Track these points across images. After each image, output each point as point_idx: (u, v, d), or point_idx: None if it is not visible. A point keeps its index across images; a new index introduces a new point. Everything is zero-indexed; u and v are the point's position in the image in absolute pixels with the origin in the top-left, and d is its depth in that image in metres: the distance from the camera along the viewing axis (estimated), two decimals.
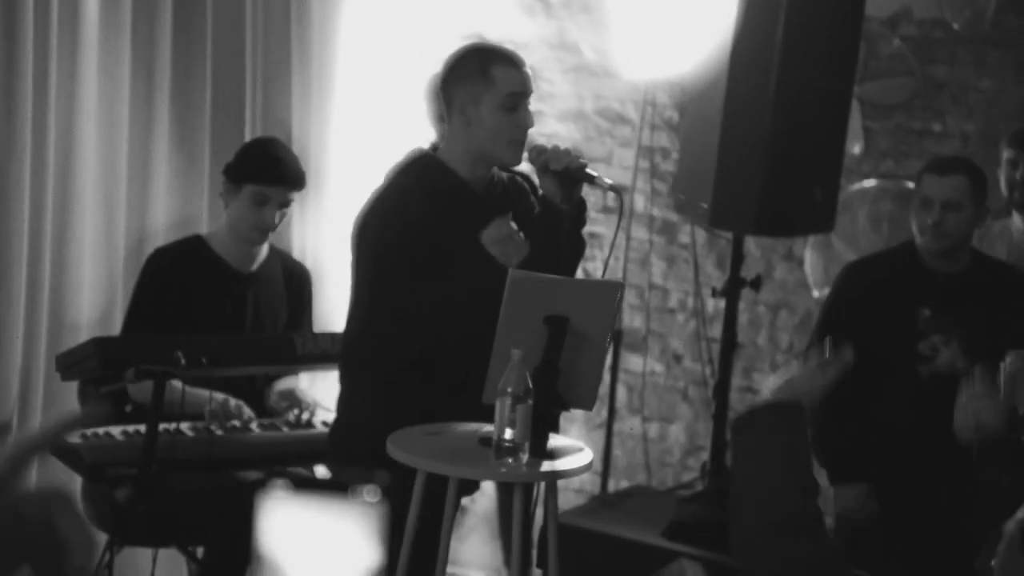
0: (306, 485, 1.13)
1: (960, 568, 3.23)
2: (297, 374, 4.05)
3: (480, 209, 3.28)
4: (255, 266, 3.94)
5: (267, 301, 3.95)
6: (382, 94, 5.07)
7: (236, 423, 3.68)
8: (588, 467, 3.10)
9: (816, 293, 4.96)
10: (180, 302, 3.79)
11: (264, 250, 3.97)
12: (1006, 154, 4.30)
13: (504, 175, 3.40)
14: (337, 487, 1.12)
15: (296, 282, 4.05)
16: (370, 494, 1.10)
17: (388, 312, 3.19)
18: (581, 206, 3.34)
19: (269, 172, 3.83)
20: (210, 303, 3.84)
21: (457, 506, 3.21)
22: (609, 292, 3.12)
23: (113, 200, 4.18)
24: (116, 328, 4.02)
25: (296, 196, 3.91)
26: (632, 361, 5.27)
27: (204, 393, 3.63)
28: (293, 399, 3.86)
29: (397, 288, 3.16)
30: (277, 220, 3.86)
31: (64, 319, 4.03)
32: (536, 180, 3.36)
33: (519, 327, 3.00)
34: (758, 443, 2.18)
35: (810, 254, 4.99)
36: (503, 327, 3.01)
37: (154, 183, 4.31)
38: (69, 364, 3.63)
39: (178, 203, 4.38)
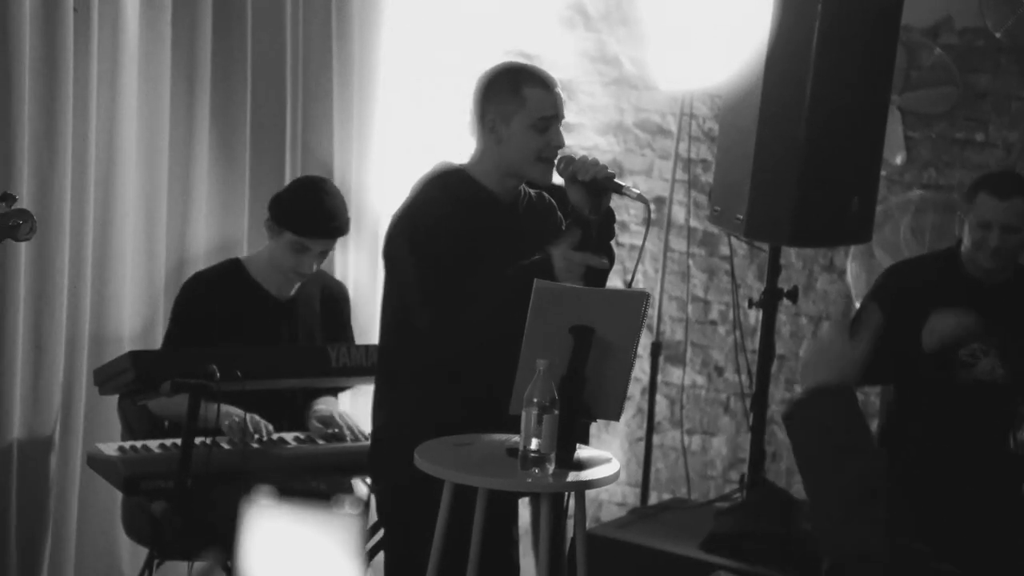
0: (290, 494, 1.13)
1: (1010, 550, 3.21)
2: (336, 395, 4.06)
3: (507, 220, 3.29)
4: (293, 292, 3.95)
5: (304, 326, 3.96)
6: (422, 110, 5.10)
7: (256, 438, 3.68)
8: (615, 477, 3.10)
9: (858, 304, 4.93)
10: (216, 327, 3.80)
11: None
12: None
13: (532, 191, 3.42)
14: (321, 497, 1.13)
15: (332, 303, 4.05)
16: (351, 505, 1.11)
17: (432, 319, 3.20)
18: (610, 216, 3.34)
19: (311, 226, 3.81)
20: (246, 329, 3.85)
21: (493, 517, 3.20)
22: (635, 302, 3.12)
23: (154, 218, 4.23)
24: (156, 344, 4.06)
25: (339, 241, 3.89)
26: (673, 373, 5.25)
27: (226, 408, 3.63)
28: (333, 425, 3.85)
29: (434, 296, 3.17)
30: (316, 266, 3.86)
31: (106, 335, 4.08)
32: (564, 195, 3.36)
33: (545, 337, 3.01)
34: (816, 431, 2.12)
35: (852, 265, 4.96)
36: (529, 337, 3.02)
37: (194, 202, 4.35)
38: (106, 378, 3.67)
39: (218, 221, 4.42)
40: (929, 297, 3.89)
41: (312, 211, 3.82)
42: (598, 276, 3.26)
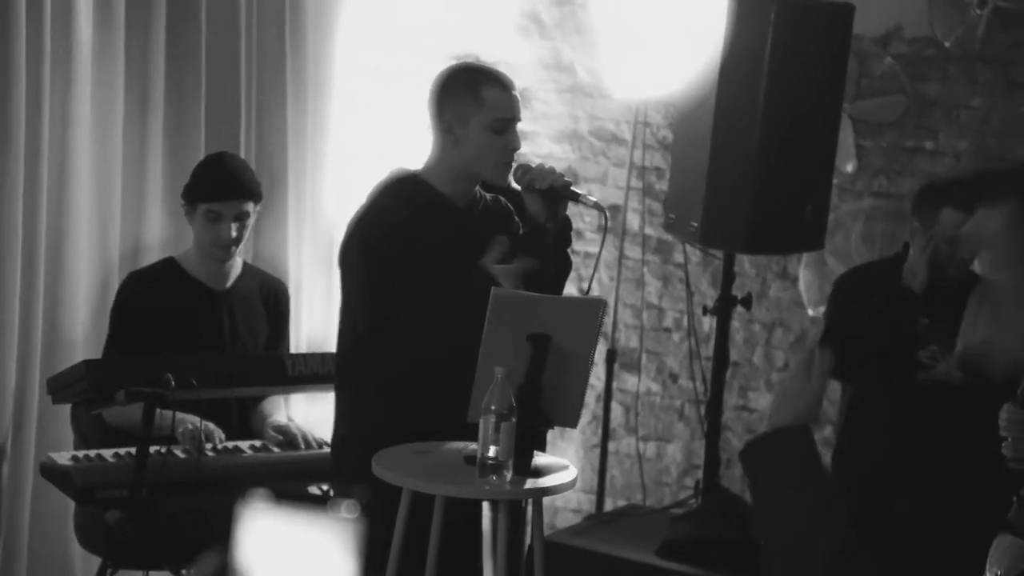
0: (286, 497, 1.13)
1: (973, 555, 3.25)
2: (285, 396, 4.05)
3: (463, 225, 3.30)
4: (229, 283, 3.95)
5: (244, 317, 3.96)
6: (378, 114, 5.09)
7: (210, 446, 3.68)
8: (572, 484, 3.11)
9: (811, 311, 4.97)
10: (157, 323, 3.80)
11: (238, 267, 3.98)
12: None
13: (488, 195, 3.42)
14: (316, 500, 1.13)
15: (274, 298, 4.06)
16: (348, 509, 1.11)
17: (378, 325, 3.20)
18: (566, 224, 3.35)
19: (217, 189, 3.84)
20: (187, 322, 3.85)
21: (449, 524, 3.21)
22: (592, 309, 3.13)
23: (107, 222, 4.20)
24: None
25: (253, 207, 3.89)
26: (628, 380, 5.27)
27: (181, 416, 3.61)
28: (288, 434, 3.84)
29: (385, 303, 3.18)
30: (235, 233, 3.85)
31: (59, 341, 4.05)
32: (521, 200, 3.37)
33: (502, 345, 3.02)
34: (772, 470, 2.14)
35: (804, 272, 5.00)
36: (486, 345, 3.03)
37: (149, 206, 4.33)
38: (60, 387, 3.64)
39: (173, 224, 4.40)
40: (878, 301, 3.94)
41: (215, 176, 3.87)
42: (553, 283, 3.28)
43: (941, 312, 3.88)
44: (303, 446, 3.79)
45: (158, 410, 3.44)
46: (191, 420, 3.64)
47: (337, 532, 1.09)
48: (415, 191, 3.29)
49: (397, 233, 3.19)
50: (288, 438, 3.81)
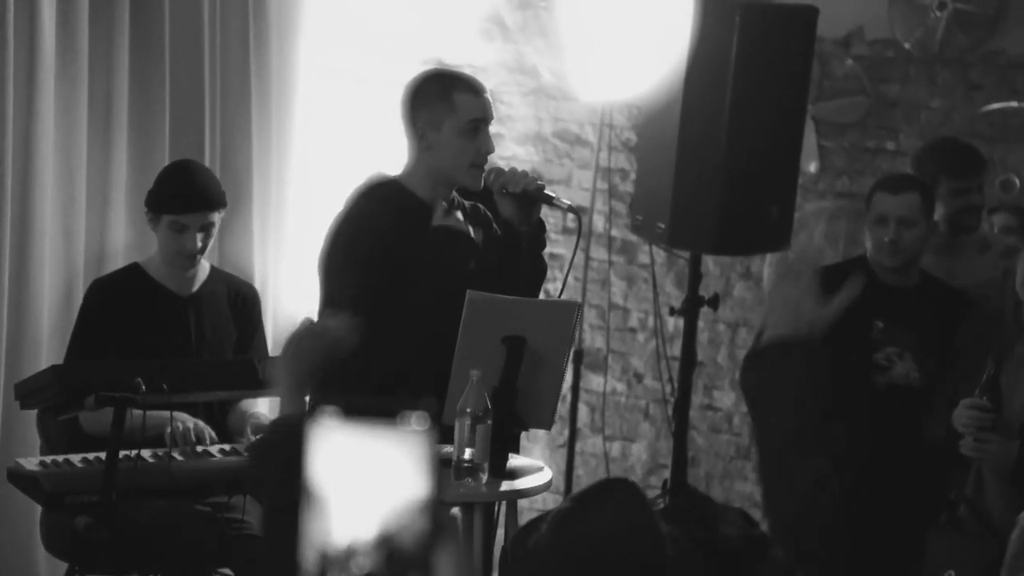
0: (356, 411, 1.12)
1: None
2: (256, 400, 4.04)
3: (442, 229, 3.30)
4: (195, 287, 3.93)
5: (211, 322, 3.94)
6: (342, 119, 5.09)
7: (199, 448, 3.66)
8: (547, 486, 3.13)
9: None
10: (122, 330, 3.78)
11: (204, 271, 3.96)
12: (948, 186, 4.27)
13: (467, 202, 3.43)
14: (386, 413, 1.11)
15: (242, 302, 4.04)
16: (418, 421, 1.10)
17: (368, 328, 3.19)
18: (540, 227, 3.37)
19: (181, 202, 3.81)
20: (152, 328, 3.83)
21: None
22: (566, 312, 3.15)
23: (72, 226, 4.18)
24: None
25: (218, 216, 3.88)
26: (593, 380, 5.29)
27: (165, 415, 3.61)
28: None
29: (365, 307, 3.17)
30: (200, 243, 3.84)
31: (24, 347, 4.02)
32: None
33: (477, 348, 3.03)
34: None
35: (768, 272, 5.04)
36: (461, 348, 3.03)
37: (113, 209, 4.31)
38: (27, 392, 3.60)
39: (137, 228, 4.37)
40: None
41: (180, 188, 3.84)
42: (528, 286, 3.29)
43: (896, 314, 3.91)
44: None
45: (148, 412, 3.42)
46: (182, 419, 3.63)
47: (407, 445, 1.09)
48: (398, 197, 3.30)
49: (384, 241, 3.18)
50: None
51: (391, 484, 1.08)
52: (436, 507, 1.10)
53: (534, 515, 5.47)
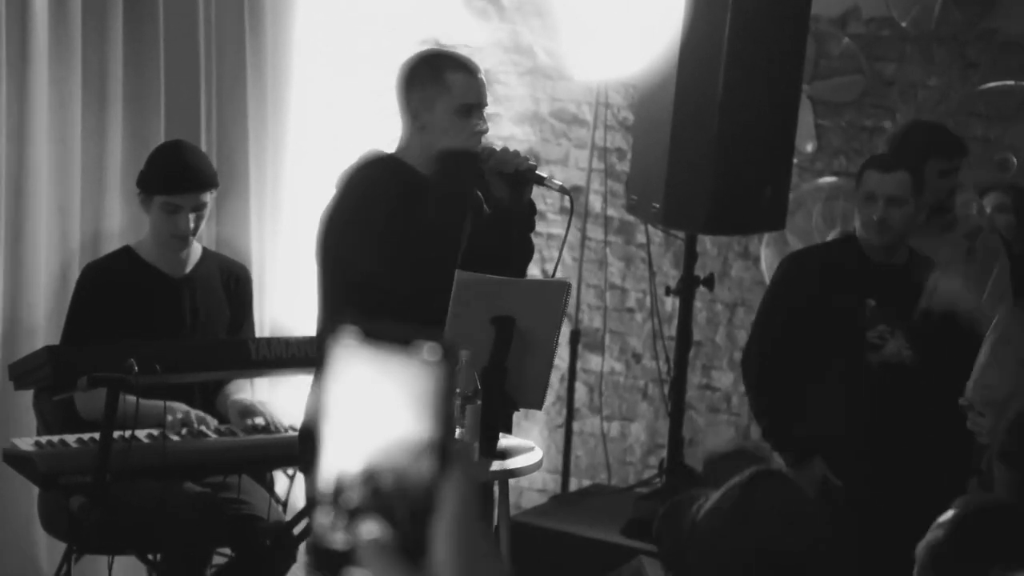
0: (373, 336, 1.09)
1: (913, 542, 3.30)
2: (251, 380, 4.05)
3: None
4: (188, 269, 3.94)
5: (204, 302, 3.95)
6: (337, 99, 5.08)
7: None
8: (538, 466, 3.14)
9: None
10: (116, 313, 3.78)
11: (197, 252, 3.97)
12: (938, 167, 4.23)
13: None
14: (401, 340, 1.09)
15: (235, 282, 4.04)
16: (430, 352, 1.07)
17: (357, 303, 3.19)
18: (531, 208, 3.36)
19: (174, 182, 3.81)
20: (146, 310, 3.83)
21: None
22: (556, 292, 3.15)
23: (67, 214, 4.19)
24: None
25: (210, 196, 3.88)
26: (592, 361, 5.30)
27: (160, 404, 3.61)
28: (254, 415, 3.83)
29: (367, 279, 3.16)
30: (192, 224, 3.85)
31: (19, 329, 4.03)
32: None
33: (467, 328, 3.03)
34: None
35: (766, 252, 5.04)
36: (451, 328, 3.04)
37: (109, 196, 4.31)
38: (21, 373, 3.62)
39: (133, 214, 4.38)
40: (833, 283, 3.96)
41: (171, 168, 3.84)
42: (517, 266, 3.29)
43: (887, 293, 3.91)
44: (272, 428, 3.79)
45: (141, 401, 3.42)
46: (180, 409, 3.64)
47: (417, 375, 1.07)
48: (398, 168, 3.29)
49: (389, 202, 3.16)
50: (250, 417, 3.79)
51: (393, 418, 1.05)
52: (444, 447, 1.05)
53: (533, 495, 5.48)
